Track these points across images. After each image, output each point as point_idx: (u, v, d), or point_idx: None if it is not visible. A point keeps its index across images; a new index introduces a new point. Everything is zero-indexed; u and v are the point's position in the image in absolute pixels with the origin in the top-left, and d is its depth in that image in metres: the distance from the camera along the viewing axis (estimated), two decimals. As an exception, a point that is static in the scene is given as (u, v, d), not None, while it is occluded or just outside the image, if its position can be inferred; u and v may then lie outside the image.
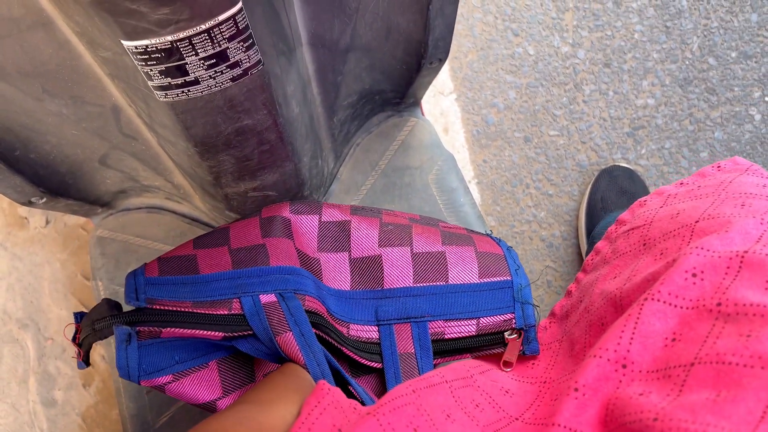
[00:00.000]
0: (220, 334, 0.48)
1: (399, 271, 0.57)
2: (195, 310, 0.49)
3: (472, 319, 0.55)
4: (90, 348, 0.49)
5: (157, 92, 0.42)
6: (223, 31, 0.38)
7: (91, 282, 0.72)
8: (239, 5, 0.37)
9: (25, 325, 0.89)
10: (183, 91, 0.42)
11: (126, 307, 0.51)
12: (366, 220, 0.59)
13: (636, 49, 0.98)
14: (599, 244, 0.53)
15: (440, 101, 0.97)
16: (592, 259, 0.53)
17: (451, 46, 0.61)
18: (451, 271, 0.57)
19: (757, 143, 0.96)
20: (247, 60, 0.42)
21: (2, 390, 0.88)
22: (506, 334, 0.55)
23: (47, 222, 0.91)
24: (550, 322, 0.55)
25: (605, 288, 0.46)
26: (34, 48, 0.44)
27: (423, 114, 0.80)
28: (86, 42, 0.42)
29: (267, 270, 0.52)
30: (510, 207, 0.95)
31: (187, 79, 0.41)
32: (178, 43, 0.38)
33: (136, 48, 0.37)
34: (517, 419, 0.43)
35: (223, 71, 0.41)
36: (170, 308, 0.48)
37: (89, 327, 0.48)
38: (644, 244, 0.46)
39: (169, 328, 0.48)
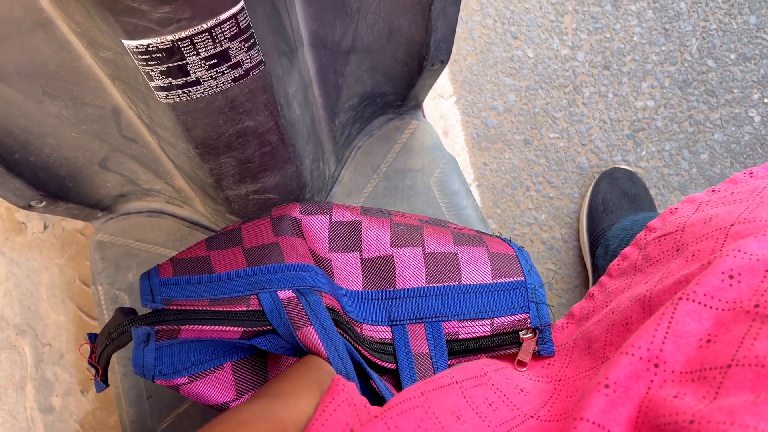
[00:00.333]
0: (239, 329, 0.48)
1: (411, 271, 0.56)
2: (213, 308, 0.48)
3: (487, 319, 0.55)
4: (108, 363, 0.49)
5: (158, 93, 0.41)
6: (225, 31, 0.38)
7: (91, 287, 0.72)
8: (241, 4, 0.37)
9: (22, 331, 0.89)
10: (184, 92, 0.41)
11: (141, 312, 0.51)
12: (377, 221, 0.59)
13: (635, 52, 0.98)
14: (626, 250, 0.53)
15: (440, 104, 0.97)
16: (618, 264, 0.53)
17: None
18: (464, 272, 0.57)
19: (757, 145, 0.96)
20: (249, 60, 0.41)
21: None
22: (521, 333, 0.55)
23: (45, 227, 0.90)
24: (567, 323, 0.55)
25: (635, 291, 0.46)
26: (34, 49, 0.44)
27: (424, 117, 0.80)
28: (87, 42, 0.42)
29: (283, 267, 0.52)
30: (510, 210, 0.95)
31: (188, 79, 0.40)
32: (179, 43, 0.37)
33: (137, 48, 0.37)
34: (531, 417, 0.43)
35: (225, 71, 0.41)
36: (188, 307, 0.48)
37: (107, 339, 0.48)
38: (677, 249, 0.46)
39: (187, 326, 0.47)
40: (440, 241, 0.58)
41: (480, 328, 0.55)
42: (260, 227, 0.56)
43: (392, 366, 0.54)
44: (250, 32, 0.39)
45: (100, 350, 0.48)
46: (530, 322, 0.55)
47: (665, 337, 0.37)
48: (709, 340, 0.36)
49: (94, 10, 0.34)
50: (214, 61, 0.40)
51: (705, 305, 0.37)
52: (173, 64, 0.39)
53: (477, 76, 0.97)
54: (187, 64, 0.39)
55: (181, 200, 0.69)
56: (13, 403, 0.87)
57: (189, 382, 0.49)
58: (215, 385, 0.50)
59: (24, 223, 0.91)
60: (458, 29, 0.97)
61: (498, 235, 0.64)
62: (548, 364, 0.52)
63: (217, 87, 0.42)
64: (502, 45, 0.98)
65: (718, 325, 0.36)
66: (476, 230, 0.63)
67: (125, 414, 0.70)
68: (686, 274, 0.40)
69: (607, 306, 0.50)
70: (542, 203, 0.94)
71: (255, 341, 0.49)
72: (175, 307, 0.48)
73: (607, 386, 0.37)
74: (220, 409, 0.51)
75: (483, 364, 0.50)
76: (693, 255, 0.43)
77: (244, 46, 0.40)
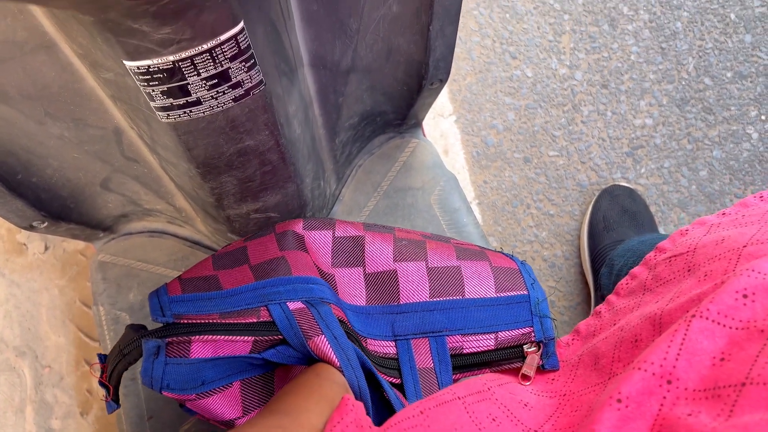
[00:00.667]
0: (250, 339, 0.48)
1: (415, 285, 0.56)
2: (223, 321, 0.48)
3: (491, 333, 0.55)
4: (119, 382, 0.49)
5: (159, 113, 0.42)
6: (225, 51, 0.38)
7: (93, 307, 0.72)
8: (241, 25, 0.38)
9: (22, 352, 0.88)
10: (185, 112, 0.42)
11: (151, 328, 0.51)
12: (380, 236, 0.59)
13: (633, 70, 0.99)
14: (636, 270, 0.53)
15: (440, 123, 0.97)
16: (627, 284, 0.53)
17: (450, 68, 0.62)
18: (467, 286, 0.56)
19: (756, 162, 0.96)
20: (249, 80, 0.42)
21: (-1, 419, 0.87)
22: (525, 347, 0.55)
23: (46, 248, 0.91)
24: (573, 339, 0.55)
25: (645, 310, 0.46)
26: (37, 71, 0.44)
27: (424, 135, 0.80)
28: (89, 64, 0.42)
29: (291, 279, 0.52)
30: (511, 227, 0.95)
31: (189, 99, 0.41)
32: (179, 63, 0.38)
33: (138, 68, 0.37)
34: (536, 431, 0.42)
35: (225, 91, 0.41)
36: (198, 321, 0.48)
37: (118, 355, 0.48)
38: (689, 270, 0.46)
39: (198, 338, 0.47)
40: (443, 255, 0.58)
41: (484, 342, 0.55)
42: (265, 243, 0.56)
43: (397, 381, 0.54)
44: (250, 53, 0.40)
45: (111, 368, 0.49)
46: (534, 336, 0.55)
47: (678, 354, 0.37)
48: (722, 359, 0.36)
49: (96, 31, 0.35)
50: (214, 81, 0.40)
51: (718, 323, 0.37)
52: (174, 85, 0.39)
53: (476, 95, 0.98)
54: (188, 84, 0.39)
55: (183, 220, 0.69)
56: (12, 426, 0.87)
57: (197, 399, 0.49)
58: (223, 402, 0.50)
59: (25, 244, 0.91)
60: (457, 49, 0.98)
61: (500, 250, 0.64)
62: (552, 379, 0.52)
63: (217, 107, 0.42)
64: (501, 65, 0.99)
65: (732, 343, 0.36)
66: (478, 246, 0.63)
67: (125, 435, 0.69)
68: (699, 293, 0.40)
69: (615, 324, 0.50)
70: (543, 221, 0.94)
71: (266, 354, 0.49)
72: (185, 321, 0.48)
73: (619, 400, 0.37)
74: (226, 425, 0.50)
75: (486, 379, 0.50)
76: (705, 275, 0.43)
77: (244, 66, 0.40)
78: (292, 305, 0.50)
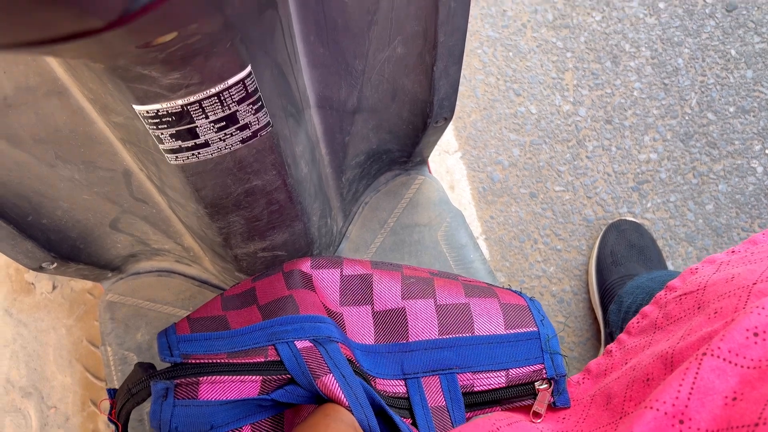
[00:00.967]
0: (258, 378, 0.48)
1: (424, 323, 0.56)
2: (231, 360, 0.48)
3: (502, 370, 0.54)
4: (128, 419, 0.49)
5: (168, 155, 0.42)
6: (233, 95, 0.39)
7: (100, 347, 0.72)
8: (248, 69, 0.38)
9: (28, 393, 0.88)
10: (193, 154, 0.42)
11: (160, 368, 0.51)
12: (388, 273, 0.59)
13: (636, 106, 1.00)
14: (646, 309, 0.53)
15: (445, 159, 0.98)
16: (638, 322, 0.53)
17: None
18: (476, 323, 0.56)
19: (762, 195, 0.96)
20: (257, 122, 0.42)
21: (4, 462, 0.86)
22: (536, 384, 0.54)
23: (54, 287, 0.91)
24: (584, 378, 0.54)
25: (656, 349, 0.45)
26: (49, 115, 0.45)
27: (430, 172, 0.81)
28: (99, 108, 0.43)
29: (298, 318, 0.52)
30: (519, 263, 0.94)
31: (198, 141, 0.41)
32: (188, 107, 0.38)
33: (147, 112, 0.38)
34: None
35: (233, 133, 0.42)
36: (206, 361, 0.48)
37: (126, 394, 0.48)
38: (699, 307, 0.46)
39: (207, 378, 0.47)
40: (451, 292, 0.58)
41: (495, 379, 0.54)
42: (273, 282, 0.56)
43: (408, 421, 0.53)
44: (257, 95, 0.41)
45: (120, 406, 0.48)
46: (546, 373, 0.54)
47: (690, 393, 0.36)
48: (734, 398, 0.35)
49: (106, 77, 0.36)
50: (222, 123, 0.41)
51: (730, 362, 0.37)
52: (183, 128, 0.40)
53: (481, 131, 0.99)
54: (197, 127, 0.40)
55: (190, 259, 0.69)
56: (16, 469, 0.86)
57: None
58: None
59: (33, 284, 0.91)
60: (462, 87, 0.99)
61: (508, 287, 0.64)
62: (563, 417, 0.51)
63: (225, 148, 0.43)
64: (505, 102, 1.00)
65: (744, 382, 0.36)
66: (486, 282, 0.63)
67: (131, 478, 0.68)
68: (709, 331, 0.40)
69: (626, 363, 0.50)
70: (550, 256, 0.94)
71: (275, 394, 0.49)
72: (193, 361, 0.48)
73: None
74: None
75: (495, 419, 0.49)
76: (715, 312, 0.43)
77: (251, 108, 0.41)
78: (300, 344, 0.50)
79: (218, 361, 0.48)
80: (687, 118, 0.99)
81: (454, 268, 0.75)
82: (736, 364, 0.36)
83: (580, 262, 0.93)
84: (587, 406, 0.50)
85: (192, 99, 0.38)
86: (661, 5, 1.04)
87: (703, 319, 0.43)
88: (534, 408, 0.53)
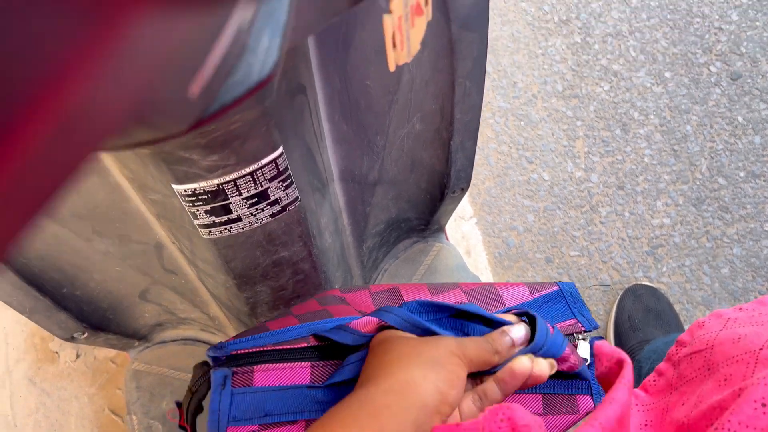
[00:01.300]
0: (307, 364, 0.50)
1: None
2: (277, 347, 0.50)
3: None
4: (194, 422, 0.51)
5: (202, 230, 0.45)
6: (265, 173, 0.42)
7: (126, 416, 0.72)
8: (280, 150, 0.41)
9: (49, 464, 0.88)
10: (226, 228, 0.45)
11: None
12: (414, 286, 0.62)
13: (647, 172, 1.02)
14: (661, 366, 0.54)
15: (461, 225, 1.00)
16: (655, 381, 0.54)
17: (472, 176, 0.65)
18: (504, 297, 0.58)
19: (779, 258, 0.96)
20: (286, 197, 0.45)
21: None
22: (578, 337, 0.55)
23: (78, 356, 0.92)
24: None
25: (674, 416, 0.46)
26: (88, 192, 0.48)
27: (447, 239, 0.83)
28: (137, 186, 0.46)
29: (335, 319, 0.54)
30: (536, 328, 0.95)
31: (230, 216, 0.44)
32: (223, 185, 0.41)
33: (185, 191, 0.41)
34: None
35: (264, 208, 0.44)
36: (256, 350, 0.50)
37: (188, 395, 0.50)
38: (708, 369, 0.47)
39: (260, 366, 0.49)
40: (476, 285, 0.61)
41: None
42: (307, 304, 0.59)
43: None
44: (288, 173, 0.43)
45: (185, 407, 0.50)
46: (582, 326, 0.56)
47: None
48: None
49: (149, 160, 0.38)
50: (254, 200, 0.43)
51: None
52: (217, 204, 0.42)
53: (495, 198, 1.01)
54: (230, 203, 0.42)
55: (215, 328, 0.71)
56: None
57: (260, 431, 0.49)
58: None
59: (57, 353, 0.93)
60: (475, 156, 1.02)
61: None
62: None
63: (256, 222, 0.45)
64: (518, 169, 1.03)
65: None
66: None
67: None
68: (719, 400, 0.41)
69: (646, 425, 0.50)
70: (568, 321, 0.95)
71: (331, 379, 0.50)
72: (243, 351, 0.50)
73: None
74: None
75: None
76: (725, 379, 0.44)
77: (282, 185, 0.44)
78: None
79: (265, 349, 0.50)
80: (698, 183, 1.01)
81: (473, 334, 0.76)
82: None
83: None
84: None
85: (228, 178, 0.40)
86: (668, 74, 1.08)
87: (713, 385, 0.44)
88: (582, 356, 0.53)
